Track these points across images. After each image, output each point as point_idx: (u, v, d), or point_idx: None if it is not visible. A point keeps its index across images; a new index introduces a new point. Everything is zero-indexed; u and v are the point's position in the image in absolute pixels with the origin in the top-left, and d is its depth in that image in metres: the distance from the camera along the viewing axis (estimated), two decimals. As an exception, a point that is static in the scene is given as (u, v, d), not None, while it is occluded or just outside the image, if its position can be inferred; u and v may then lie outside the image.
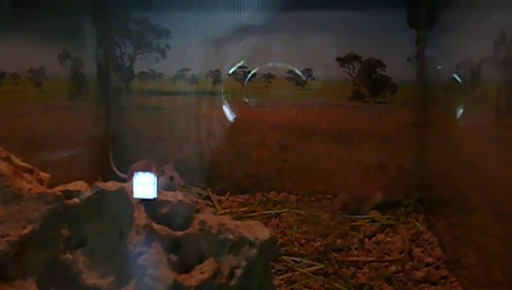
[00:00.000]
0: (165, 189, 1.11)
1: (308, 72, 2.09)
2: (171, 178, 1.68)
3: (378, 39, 2.02)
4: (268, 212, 1.92)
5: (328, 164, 2.10)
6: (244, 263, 1.03)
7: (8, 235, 0.97)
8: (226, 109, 2.13)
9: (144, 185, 1.07)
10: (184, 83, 2.15)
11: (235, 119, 2.12)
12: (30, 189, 1.01)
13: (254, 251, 1.04)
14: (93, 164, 2.02)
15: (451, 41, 1.64)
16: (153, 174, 1.09)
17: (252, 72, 2.11)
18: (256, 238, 1.05)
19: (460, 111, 1.52)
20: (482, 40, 1.31)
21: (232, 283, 1.02)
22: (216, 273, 1.02)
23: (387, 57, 2.03)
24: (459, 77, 1.53)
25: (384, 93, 2.05)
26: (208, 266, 1.03)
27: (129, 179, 1.29)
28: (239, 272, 1.03)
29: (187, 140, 2.14)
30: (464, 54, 1.49)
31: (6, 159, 1.05)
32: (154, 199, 1.06)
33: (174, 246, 1.04)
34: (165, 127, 2.16)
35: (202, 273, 1.02)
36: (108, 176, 1.92)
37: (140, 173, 1.08)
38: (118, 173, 1.96)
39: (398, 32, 2.00)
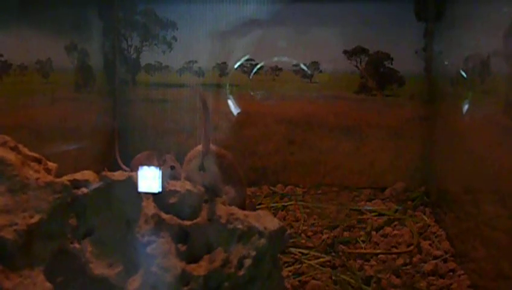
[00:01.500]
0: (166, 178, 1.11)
1: (315, 65, 2.08)
2: (172, 168, 1.67)
3: (386, 32, 2.01)
4: (275, 205, 1.92)
5: (335, 157, 2.09)
6: (253, 253, 1.03)
7: (16, 224, 0.97)
8: (233, 102, 2.12)
9: (148, 179, 1.06)
10: (190, 75, 2.14)
11: (241, 112, 2.12)
12: (38, 178, 1.01)
13: (263, 240, 1.04)
14: (99, 155, 2.02)
15: (460, 34, 1.64)
16: (155, 165, 1.09)
17: (259, 65, 2.10)
18: (265, 228, 1.05)
19: (469, 104, 1.51)
20: (490, 33, 1.30)
21: (241, 272, 1.02)
22: (225, 263, 1.02)
23: (394, 50, 2.02)
24: (467, 70, 1.53)
25: (392, 86, 2.04)
26: (216, 256, 1.03)
27: (132, 170, 1.29)
28: (248, 262, 1.02)
29: (193, 132, 2.13)
30: (472, 47, 1.48)
31: (14, 149, 1.04)
32: (159, 193, 1.06)
33: (182, 236, 1.04)
34: (171, 119, 2.16)
35: (211, 263, 1.02)
36: (114, 167, 1.92)
37: (144, 167, 1.07)
38: (122, 165, 1.96)
39: (406, 25, 1.99)
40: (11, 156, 1.01)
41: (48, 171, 1.09)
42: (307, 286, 1.38)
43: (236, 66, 2.11)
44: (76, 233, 1.04)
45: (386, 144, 2.05)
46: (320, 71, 2.08)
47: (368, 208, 1.88)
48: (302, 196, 2.01)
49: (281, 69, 2.10)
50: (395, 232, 1.70)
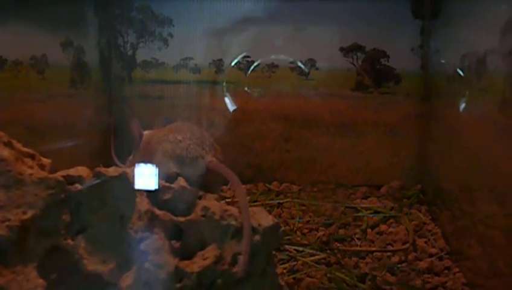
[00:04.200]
0: None
1: (311, 62, 2.08)
2: None
3: (383, 29, 2.01)
4: (271, 202, 1.92)
5: (331, 154, 2.09)
6: (247, 250, 1.03)
7: (9, 220, 0.96)
8: (229, 99, 2.12)
9: (145, 176, 1.06)
10: (187, 72, 2.13)
11: (237, 109, 2.11)
12: (31, 174, 1.00)
13: (257, 237, 1.03)
14: (94, 152, 2.01)
15: (456, 31, 1.64)
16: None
17: (256, 62, 2.10)
18: (259, 225, 1.05)
19: (465, 102, 1.51)
20: (487, 30, 1.30)
21: (235, 269, 1.02)
22: (218, 259, 1.01)
23: (391, 48, 2.02)
24: (464, 67, 1.53)
25: (388, 83, 2.04)
26: (210, 253, 1.02)
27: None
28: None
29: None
30: (469, 44, 1.48)
31: (8, 144, 1.04)
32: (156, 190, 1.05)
33: (176, 232, 1.04)
34: (167, 115, 2.15)
35: (204, 259, 1.01)
36: (110, 164, 1.91)
37: (141, 164, 1.07)
38: (118, 163, 1.95)
39: (403, 22, 1.99)
40: (4, 151, 1.00)
41: (41, 167, 1.08)
42: (302, 283, 1.38)
43: (232, 63, 2.11)
44: (70, 229, 1.03)
45: (382, 141, 2.05)
46: (317, 68, 2.08)
47: (364, 205, 1.88)
48: (298, 194, 2.01)
49: (277, 66, 2.10)
50: (391, 230, 1.70)
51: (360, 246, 1.61)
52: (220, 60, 2.12)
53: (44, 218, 1.00)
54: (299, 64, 2.08)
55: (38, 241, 1.00)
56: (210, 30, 2.08)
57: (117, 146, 2.02)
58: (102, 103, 2.14)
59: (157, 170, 1.07)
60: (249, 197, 1.94)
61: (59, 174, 1.03)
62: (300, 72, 2.09)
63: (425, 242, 1.62)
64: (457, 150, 1.56)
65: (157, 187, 1.05)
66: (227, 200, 1.88)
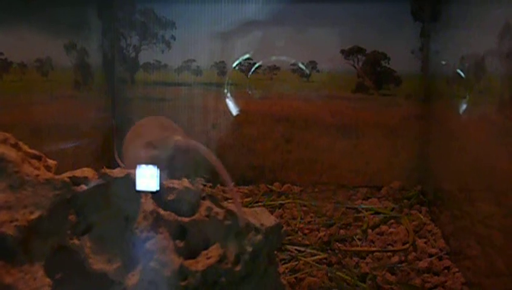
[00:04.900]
0: None
1: (312, 64, 2.09)
2: None
3: (383, 32, 2.02)
4: (273, 203, 1.93)
5: (332, 155, 2.10)
6: (249, 249, 1.04)
7: (17, 220, 0.97)
8: (231, 101, 2.13)
9: (146, 178, 1.07)
10: (189, 74, 2.15)
11: (239, 110, 2.13)
12: (38, 175, 1.02)
13: (260, 237, 1.05)
14: (97, 153, 2.03)
15: (456, 34, 1.65)
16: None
17: (257, 64, 2.11)
18: (262, 225, 1.06)
19: (464, 104, 1.52)
20: (486, 33, 1.31)
21: (238, 268, 1.03)
22: (222, 258, 1.03)
23: (391, 50, 2.03)
24: (464, 69, 1.54)
25: (389, 85, 2.06)
26: (213, 252, 1.03)
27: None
28: (244, 257, 1.03)
29: (191, 131, 2.14)
30: (469, 46, 1.49)
31: (15, 146, 1.05)
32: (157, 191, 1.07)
33: (180, 232, 1.05)
34: (170, 118, 2.16)
35: (208, 258, 1.02)
36: (113, 166, 1.92)
37: (142, 165, 1.08)
38: (121, 164, 1.96)
39: (403, 24, 2.00)
40: (12, 153, 1.01)
41: (47, 168, 1.09)
42: (303, 282, 1.39)
43: (234, 65, 2.12)
44: (76, 229, 1.04)
45: (382, 142, 2.06)
46: (318, 70, 2.09)
47: (364, 206, 1.89)
48: (299, 194, 2.03)
49: (278, 68, 2.11)
50: (391, 230, 1.71)
51: (361, 246, 1.62)
52: (222, 62, 2.13)
53: (50, 218, 1.01)
54: (301, 66, 2.10)
55: (45, 241, 1.01)
56: (212, 32, 2.09)
57: (119, 147, 2.03)
58: (105, 105, 2.15)
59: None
60: (250, 198, 1.96)
61: (65, 175, 1.04)
62: (302, 74, 2.11)
63: (425, 242, 1.63)
64: (457, 151, 1.57)
65: (158, 188, 1.06)
66: (228, 201, 1.89)
